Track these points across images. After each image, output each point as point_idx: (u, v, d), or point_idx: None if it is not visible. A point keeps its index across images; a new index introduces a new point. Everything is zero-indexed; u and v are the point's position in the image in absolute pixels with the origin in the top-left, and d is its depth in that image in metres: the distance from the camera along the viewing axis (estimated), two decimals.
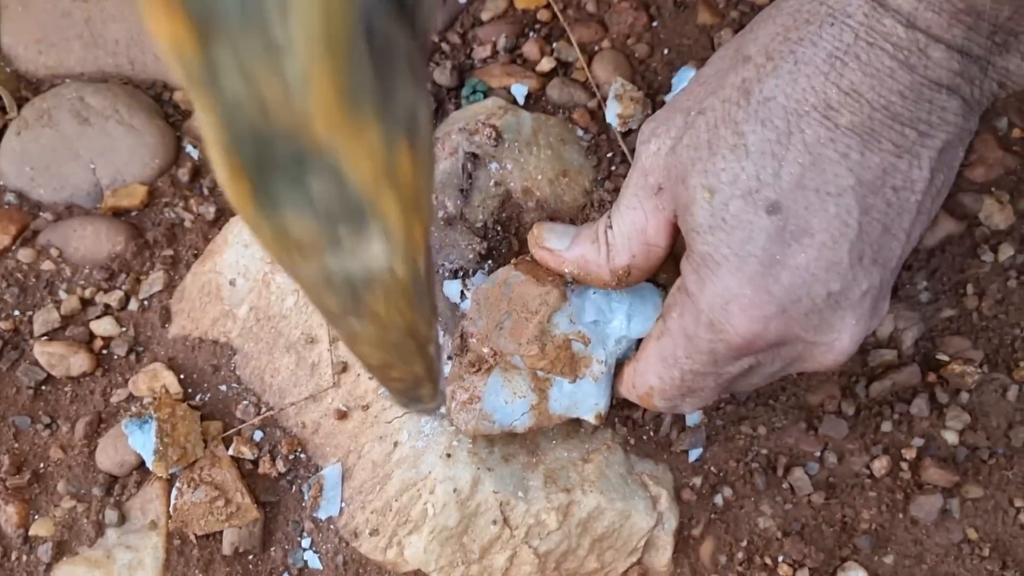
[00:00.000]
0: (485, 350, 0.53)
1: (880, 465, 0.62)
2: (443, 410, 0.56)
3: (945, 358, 0.63)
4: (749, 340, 0.44)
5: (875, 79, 0.40)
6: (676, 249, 0.51)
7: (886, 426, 0.62)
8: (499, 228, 0.59)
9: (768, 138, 0.41)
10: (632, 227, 0.49)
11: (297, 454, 0.59)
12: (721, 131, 0.43)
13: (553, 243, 0.53)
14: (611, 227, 0.50)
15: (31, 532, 0.59)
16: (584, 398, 0.55)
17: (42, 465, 0.61)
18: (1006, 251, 0.64)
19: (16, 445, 0.61)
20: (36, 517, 0.60)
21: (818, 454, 0.62)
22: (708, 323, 0.44)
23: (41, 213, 0.66)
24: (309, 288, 0.27)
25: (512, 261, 0.56)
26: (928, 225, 0.46)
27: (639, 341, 0.54)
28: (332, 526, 0.58)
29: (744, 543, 0.61)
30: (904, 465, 0.62)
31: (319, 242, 0.24)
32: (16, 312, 0.63)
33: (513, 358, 0.53)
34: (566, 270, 0.53)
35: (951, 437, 0.62)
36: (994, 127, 0.66)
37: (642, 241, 0.49)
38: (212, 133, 0.21)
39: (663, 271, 0.54)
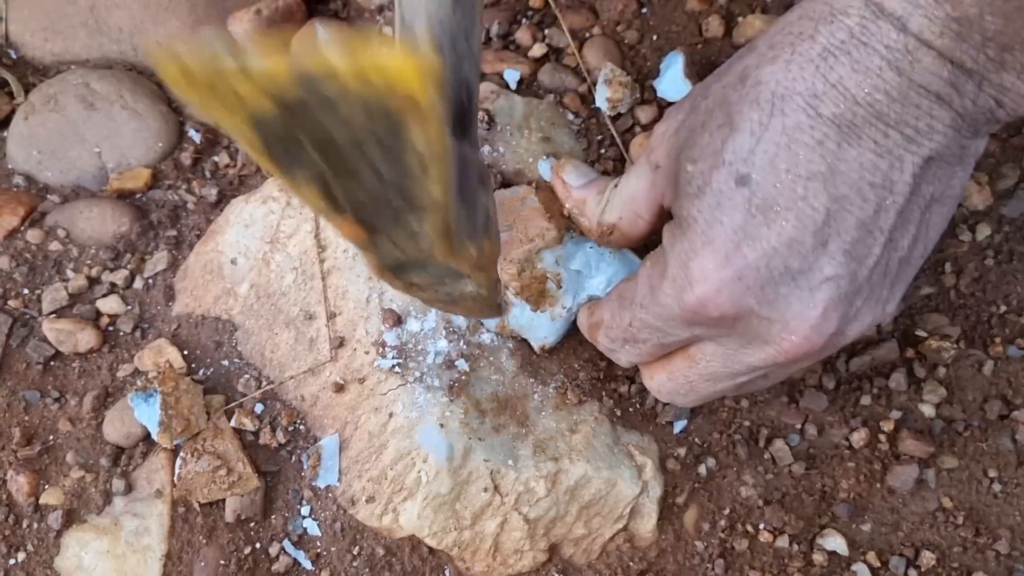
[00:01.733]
0: None
1: (859, 437, 0.64)
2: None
3: (923, 334, 0.65)
4: (702, 301, 0.45)
5: (862, 76, 0.41)
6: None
7: (865, 399, 0.65)
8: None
9: (751, 118, 0.43)
10: (628, 192, 0.53)
11: (296, 426, 0.62)
12: (716, 112, 0.46)
13: (570, 177, 0.58)
14: (616, 186, 0.55)
15: (41, 501, 0.61)
16: (538, 328, 0.59)
17: (51, 437, 0.63)
18: (983, 231, 0.66)
19: (26, 418, 0.63)
20: (46, 487, 0.62)
21: (799, 426, 0.64)
22: (671, 278, 0.46)
23: (48, 195, 0.68)
24: (424, 300, 0.55)
25: (535, 184, 0.60)
26: (924, 241, 0.46)
27: None
28: (330, 494, 0.61)
29: (727, 511, 0.63)
30: (882, 437, 0.64)
31: (434, 285, 0.48)
32: (25, 291, 0.65)
33: None
34: (567, 205, 0.58)
35: (928, 410, 0.65)
36: None
37: (631, 208, 0.53)
38: (368, 261, 0.45)
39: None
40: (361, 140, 0.33)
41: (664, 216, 0.52)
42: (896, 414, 0.64)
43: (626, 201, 0.53)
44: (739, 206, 0.43)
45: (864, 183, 0.42)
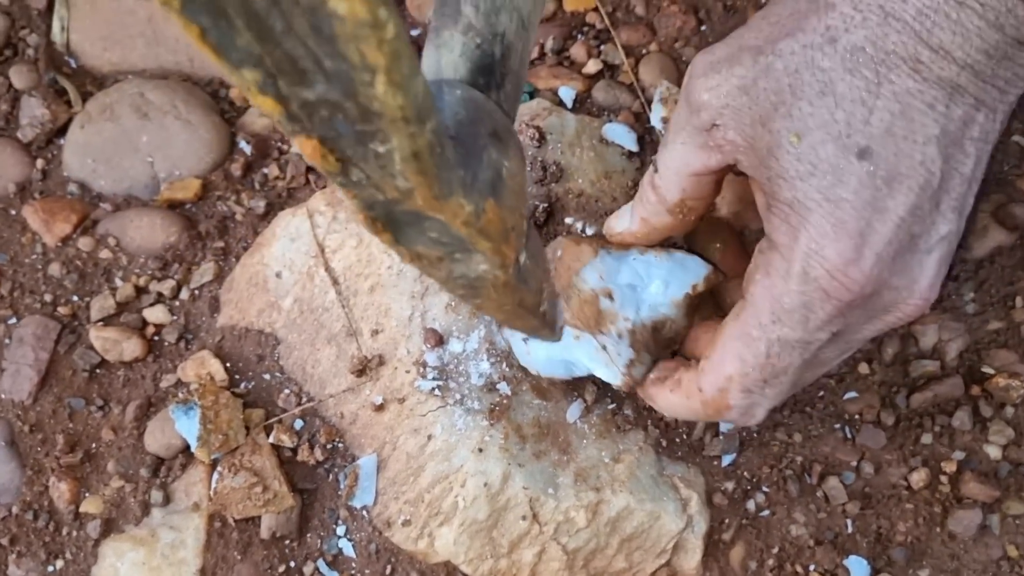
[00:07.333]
0: None
1: (918, 477, 0.61)
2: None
3: (990, 371, 0.62)
4: (848, 287, 0.43)
5: (963, 38, 0.41)
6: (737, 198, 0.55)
7: (926, 438, 0.62)
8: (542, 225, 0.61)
9: (857, 85, 0.42)
10: (679, 162, 0.49)
11: (335, 444, 0.61)
12: (804, 76, 0.43)
13: (618, 226, 0.55)
14: (656, 170, 0.51)
15: (81, 509, 0.62)
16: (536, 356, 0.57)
17: (94, 445, 0.63)
18: None
19: (70, 425, 0.63)
20: (86, 495, 0.62)
21: (854, 463, 0.62)
22: (801, 274, 0.44)
23: (101, 204, 0.68)
24: (442, 284, 0.38)
25: (565, 235, 0.59)
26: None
27: (674, 309, 0.55)
28: (366, 515, 0.60)
29: (775, 550, 0.61)
30: (943, 478, 0.61)
31: (442, 259, 0.35)
32: (75, 298, 0.66)
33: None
34: (637, 239, 0.55)
35: (993, 452, 0.61)
36: None
37: (689, 174, 0.49)
38: (352, 206, 0.32)
39: (707, 239, 0.57)
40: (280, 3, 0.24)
41: (724, 173, 0.49)
42: (959, 455, 0.61)
43: (680, 171, 0.49)
44: (864, 181, 0.42)
45: (967, 139, 0.43)
